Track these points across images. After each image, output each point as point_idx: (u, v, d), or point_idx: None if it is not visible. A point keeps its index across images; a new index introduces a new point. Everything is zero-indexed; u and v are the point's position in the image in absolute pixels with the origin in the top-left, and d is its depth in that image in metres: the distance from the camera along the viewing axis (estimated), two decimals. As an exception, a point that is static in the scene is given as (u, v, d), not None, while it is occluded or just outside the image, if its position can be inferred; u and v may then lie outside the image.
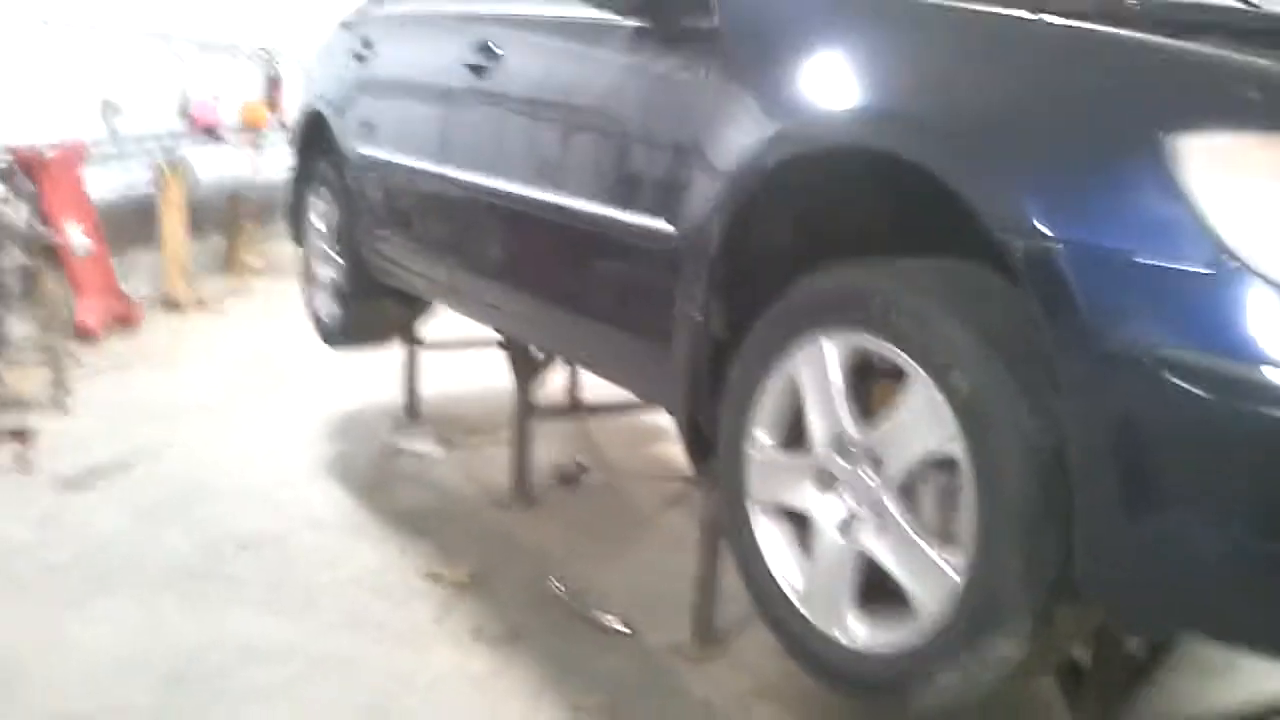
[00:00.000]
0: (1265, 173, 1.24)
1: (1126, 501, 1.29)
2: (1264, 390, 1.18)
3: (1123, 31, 1.49)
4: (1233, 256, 1.22)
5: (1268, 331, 1.19)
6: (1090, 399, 1.31)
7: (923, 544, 1.53)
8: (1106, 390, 1.29)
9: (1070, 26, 1.54)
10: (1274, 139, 1.25)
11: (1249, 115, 1.27)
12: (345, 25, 3.75)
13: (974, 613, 1.45)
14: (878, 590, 1.61)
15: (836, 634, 1.65)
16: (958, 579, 1.47)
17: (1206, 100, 1.31)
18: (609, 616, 2.76)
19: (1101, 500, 1.31)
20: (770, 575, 1.76)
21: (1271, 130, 1.26)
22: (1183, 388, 1.22)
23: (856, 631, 1.63)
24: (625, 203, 2.15)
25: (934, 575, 1.51)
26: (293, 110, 7.25)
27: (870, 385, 1.65)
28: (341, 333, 3.82)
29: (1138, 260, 1.27)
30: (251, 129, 7.38)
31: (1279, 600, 1.24)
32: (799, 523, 1.75)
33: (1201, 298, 1.23)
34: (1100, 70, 1.43)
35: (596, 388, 4.04)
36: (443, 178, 2.88)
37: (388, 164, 3.21)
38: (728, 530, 1.89)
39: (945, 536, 1.52)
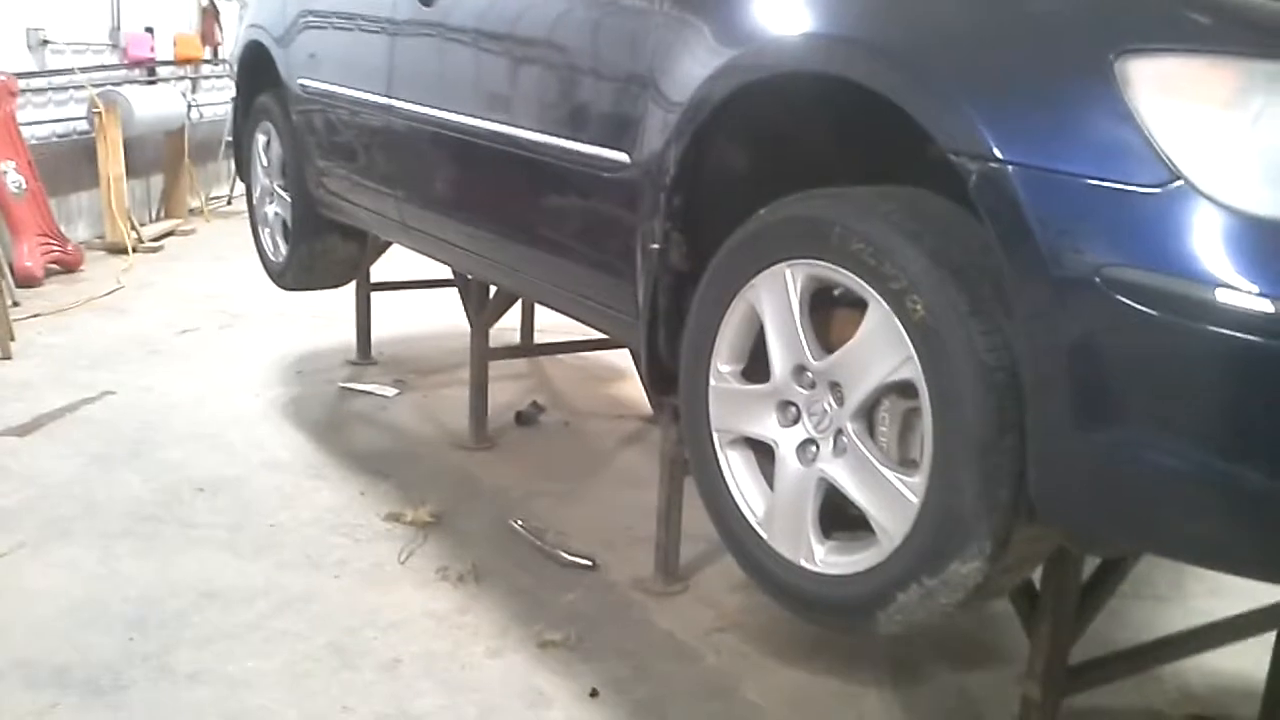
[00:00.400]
0: (1212, 95, 1.25)
1: (1079, 420, 1.32)
2: (1211, 308, 1.20)
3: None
4: (1180, 177, 1.24)
5: (1214, 250, 1.21)
6: (1043, 320, 1.33)
7: (882, 468, 1.55)
8: (1059, 311, 1.31)
9: None
10: (1221, 61, 1.26)
11: (1197, 38, 1.28)
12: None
13: (933, 534, 1.47)
14: (840, 516, 1.63)
15: (800, 560, 1.68)
16: (916, 501, 1.49)
17: (1155, 23, 1.32)
18: (572, 553, 2.77)
19: (1055, 419, 1.34)
20: (734, 503, 1.78)
21: (1218, 52, 1.27)
22: (1132, 307, 1.24)
23: (819, 556, 1.65)
24: (580, 133, 2.13)
25: (893, 499, 1.53)
26: (230, 42, 7.11)
27: (830, 314, 1.65)
28: (291, 273, 3.75)
29: (1088, 182, 1.29)
30: (187, 63, 7.18)
31: (1225, 515, 1.27)
32: (762, 452, 1.76)
33: (1150, 219, 1.25)
34: None
35: (552, 328, 4.04)
36: (391, 110, 2.83)
37: (333, 96, 3.14)
38: (691, 460, 1.89)
39: (904, 461, 1.55)
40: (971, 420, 1.40)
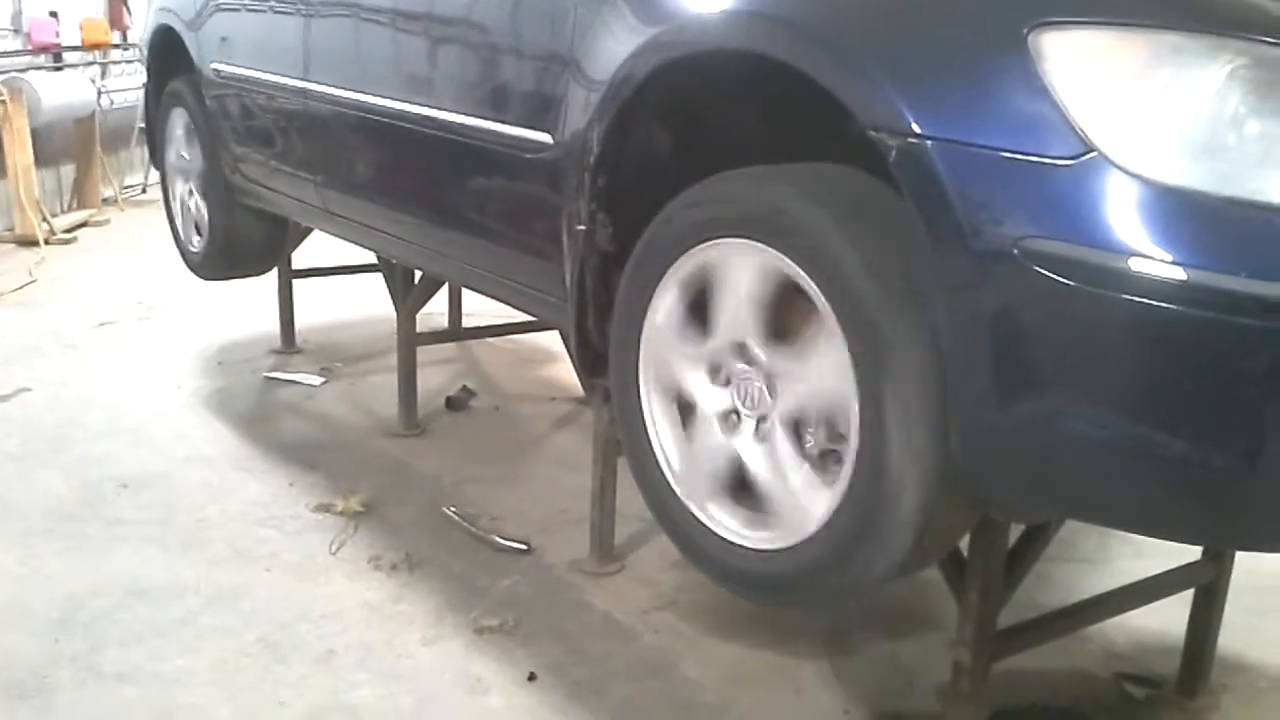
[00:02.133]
0: (1123, 67, 1.27)
1: (1001, 392, 1.34)
2: (1126, 277, 1.22)
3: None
4: (1094, 149, 1.26)
5: (1128, 220, 1.23)
6: (963, 293, 1.34)
7: (801, 470, 1.56)
8: (979, 284, 1.32)
9: None
10: (1130, 33, 1.29)
11: (1107, 11, 1.31)
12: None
13: (858, 511, 1.48)
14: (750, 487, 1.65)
15: (706, 521, 1.70)
16: (832, 504, 1.50)
17: None
18: (506, 537, 2.76)
19: (977, 392, 1.36)
20: (651, 451, 1.79)
21: (1128, 25, 1.29)
22: (1050, 278, 1.26)
23: (725, 521, 1.67)
24: (502, 114, 2.11)
25: (808, 500, 1.55)
26: (139, 26, 6.91)
27: (788, 306, 1.63)
28: (209, 262, 3.67)
29: (1005, 155, 1.30)
30: (95, 48, 6.98)
31: (1145, 480, 1.30)
32: (686, 408, 1.76)
33: (1065, 190, 1.27)
34: None
35: (481, 312, 4.01)
36: (308, 93, 2.78)
37: (248, 80, 3.07)
38: (616, 404, 1.88)
39: (824, 456, 1.55)
40: (898, 392, 1.41)
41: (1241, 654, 2.40)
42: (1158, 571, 2.17)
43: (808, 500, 1.55)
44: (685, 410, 1.76)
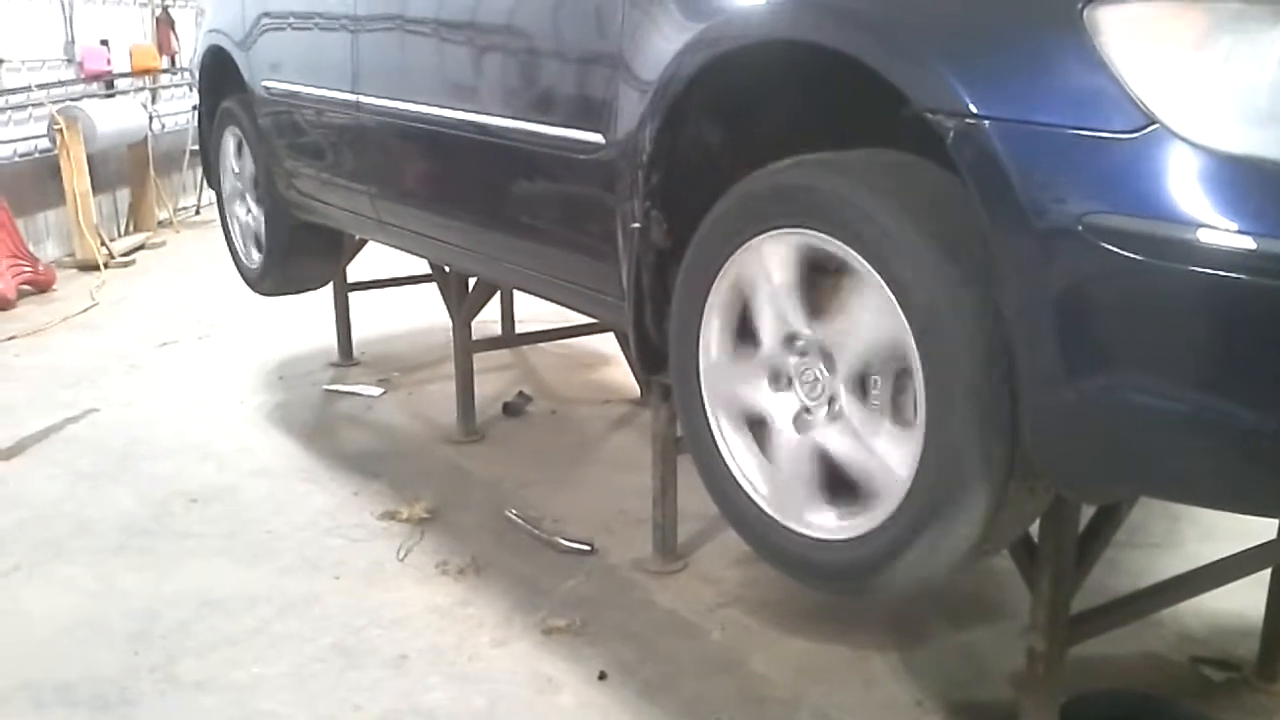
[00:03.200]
0: (1181, 37, 1.26)
1: (1070, 369, 1.33)
2: (1193, 248, 1.21)
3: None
4: (1155, 121, 1.24)
5: (1192, 191, 1.22)
6: (1028, 272, 1.33)
7: (877, 432, 1.56)
8: (1044, 262, 1.31)
9: None
10: (1187, 4, 1.27)
11: None
12: (239, -44, 3.60)
13: (930, 494, 1.48)
14: (842, 481, 1.64)
15: (802, 529, 1.68)
16: (912, 463, 1.50)
17: None
18: (569, 539, 2.78)
19: (1046, 370, 1.35)
20: (735, 481, 1.78)
21: None
22: (1116, 253, 1.25)
23: (823, 523, 1.66)
24: (554, 117, 2.12)
25: (889, 462, 1.54)
26: (186, 50, 7.04)
27: (819, 282, 1.65)
28: (267, 278, 3.73)
29: (1065, 132, 1.29)
30: (144, 73, 7.11)
31: (1218, 452, 1.29)
32: (758, 425, 1.77)
33: (1128, 164, 1.26)
34: None
35: (533, 318, 4.04)
36: (359, 106, 2.81)
37: (299, 96, 3.12)
38: (688, 441, 1.90)
39: (898, 423, 1.55)
40: (965, 378, 1.41)
41: (1322, 634, 2.35)
42: (1230, 553, 2.13)
43: (894, 454, 1.53)
44: (757, 429, 1.76)
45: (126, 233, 6.84)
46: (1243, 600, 2.26)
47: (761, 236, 1.66)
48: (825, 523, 1.66)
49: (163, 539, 2.87)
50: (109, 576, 2.68)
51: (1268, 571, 2.18)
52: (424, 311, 4.44)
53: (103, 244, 6.06)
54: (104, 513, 3.01)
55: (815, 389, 1.65)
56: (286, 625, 2.44)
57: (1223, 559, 2.12)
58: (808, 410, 1.67)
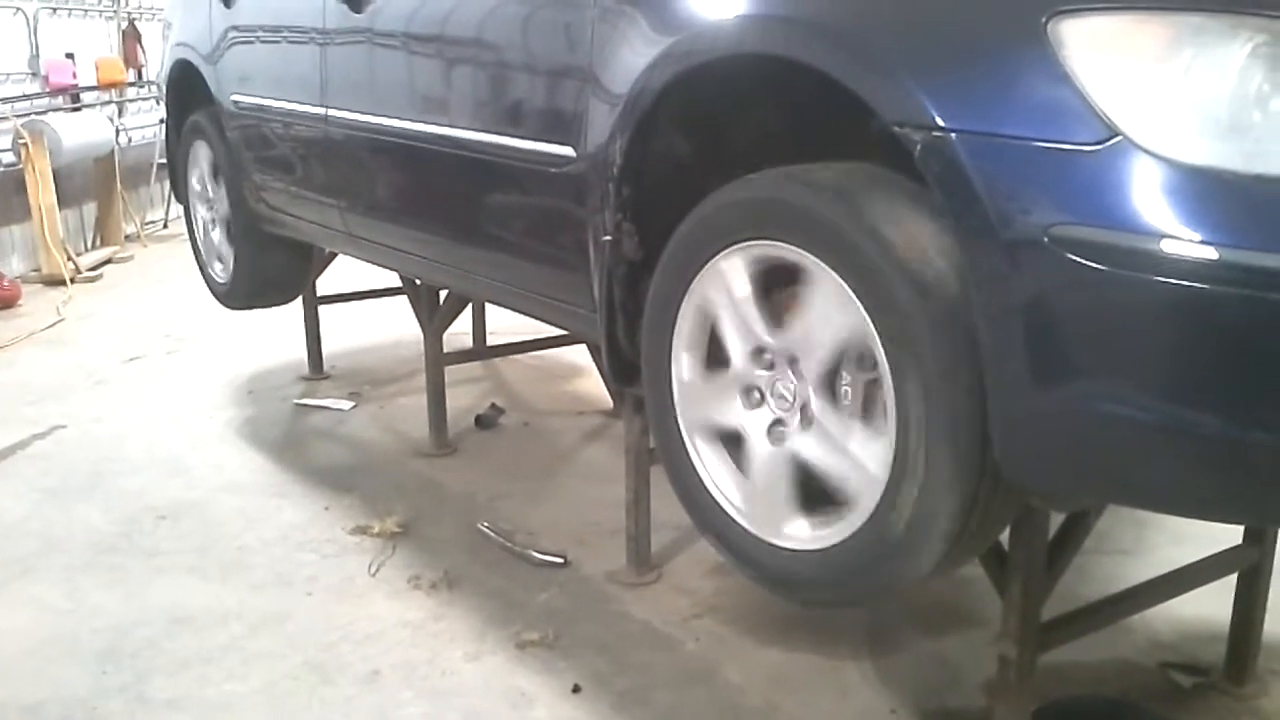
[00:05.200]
0: (1143, 50, 1.28)
1: (1038, 378, 1.34)
2: (1157, 259, 1.22)
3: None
4: (1119, 133, 1.26)
5: (1156, 202, 1.24)
6: (996, 282, 1.35)
7: (849, 437, 1.57)
8: (1011, 272, 1.33)
9: None
10: (1149, 17, 1.29)
11: None
12: (205, -31, 3.59)
13: (902, 501, 1.49)
14: (818, 493, 1.65)
15: (779, 542, 1.69)
16: (885, 468, 1.51)
17: None
18: (543, 552, 2.77)
19: (1014, 379, 1.36)
20: (709, 495, 1.79)
21: (1146, 9, 1.30)
22: (1082, 263, 1.27)
23: (799, 534, 1.67)
24: (525, 130, 2.13)
25: (862, 466, 1.55)
26: (154, 63, 6.99)
27: (780, 293, 1.66)
28: (236, 292, 3.71)
29: (1031, 144, 1.31)
30: (111, 86, 7.06)
31: (1185, 460, 1.30)
32: (732, 440, 1.77)
33: (1093, 176, 1.27)
34: None
35: (504, 329, 4.03)
36: (328, 119, 2.81)
37: (268, 110, 3.11)
38: (661, 455, 1.90)
39: (869, 429, 1.56)
40: (932, 383, 1.42)
41: (1288, 638, 2.39)
42: (1198, 558, 2.15)
43: (868, 455, 1.54)
44: (731, 445, 1.77)
45: (93, 247, 6.79)
46: (1210, 605, 2.28)
47: (732, 248, 1.67)
48: (801, 533, 1.66)
49: (132, 556, 2.84)
50: (77, 594, 2.65)
51: (1234, 576, 2.21)
52: (395, 324, 4.43)
53: (69, 259, 6.01)
54: (72, 530, 2.98)
55: (786, 400, 1.65)
56: (258, 642, 2.42)
57: (1190, 564, 2.15)
58: (780, 422, 1.68)
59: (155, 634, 2.46)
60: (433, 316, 3.39)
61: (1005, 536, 1.78)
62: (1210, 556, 2.16)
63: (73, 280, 5.89)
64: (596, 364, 3.44)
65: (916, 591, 2.24)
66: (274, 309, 3.92)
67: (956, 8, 1.44)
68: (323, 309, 4.20)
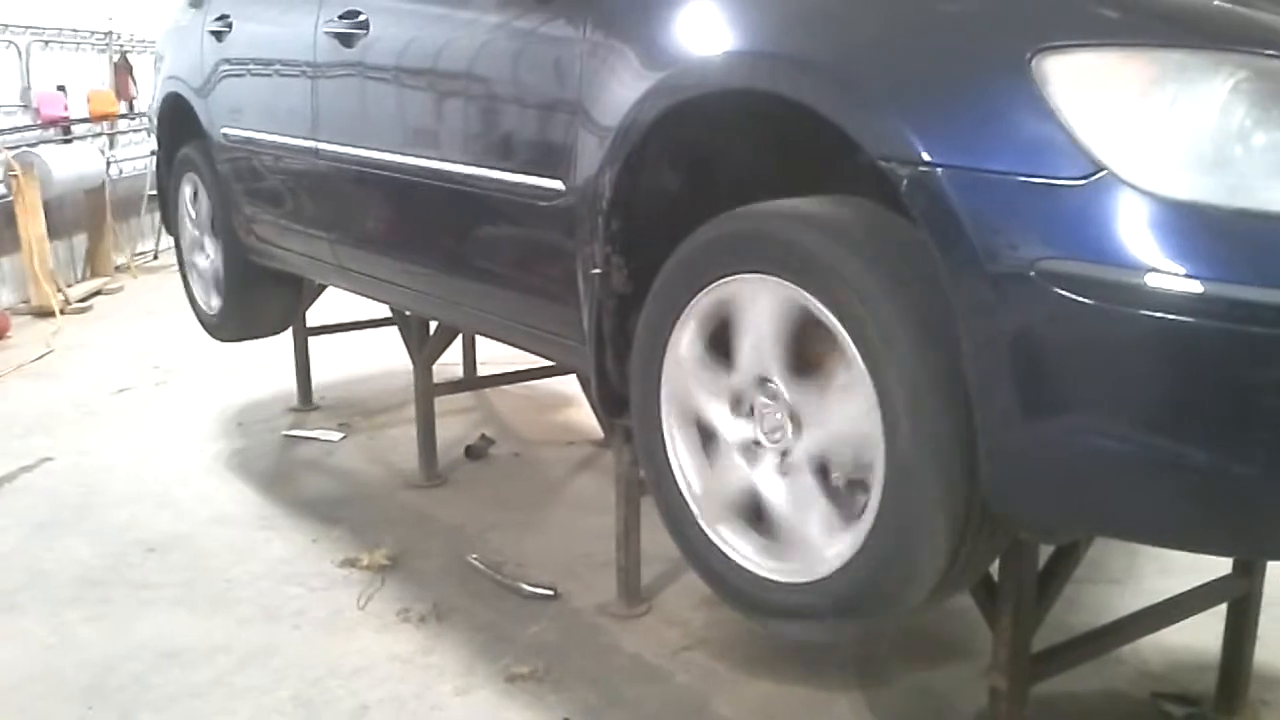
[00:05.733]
0: (1127, 86, 1.30)
1: (1026, 412, 1.35)
2: (1142, 293, 1.24)
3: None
4: (1104, 168, 1.27)
5: (1141, 237, 1.25)
6: (983, 317, 1.36)
7: (825, 510, 1.57)
8: (997, 307, 1.34)
9: None
10: (1133, 53, 1.31)
11: (1108, 32, 1.33)
12: (194, 3, 3.61)
13: (881, 558, 1.49)
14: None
15: (725, 549, 1.71)
16: (857, 544, 1.51)
17: (1068, 20, 1.36)
18: (532, 584, 2.76)
19: (1002, 414, 1.36)
20: (671, 473, 1.80)
21: (1130, 45, 1.32)
22: (1068, 298, 1.28)
23: (740, 548, 1.69)
24: (514, 164, 2.14)
25: (831, 537, 1.56)
26: (145, 95, 7.01)
27: (811, 340, 1.62)
28: (226, 323, 3.71)
29: (1016, 179, 1.32)
30: (102, 119, 7.08)
31: (1173, 493, 1.31)
32: (706, 434, 1.77)
33: (1078, 211, 1.28)
34: None
35: (494, 360, 4.03)
36: (319, 153, 2.82)
37: (259, 143, 3.12)
38: (650, 485, 1.90)
39: (849, 492, 1.56)
40: (931, 453, 1.42)
41: (1279, 667, 2.38)
42: (1188, 588, 2.16)
43: (827, 541, 1.56)
44: (706, 436, 1.77)
45: (83, 278, 6.78)
46: (1200, 634, 2.28)
47: (719, 282, 1.68)
48: (746, 549, 1.69)
49: (119, 589, 2.82)
50: (64, 629, 2.62)
51: (1224, 606, 2.21)
52: (384, 355, 4.42)
53: (59, 290, 6.00)
54: (59, 563, 2.96)
55: (775, 434, 1.65)
56: (246, 677, 2.41)
57: (1180, 594, 2.15)
58: (759, 444, 1.67)
59: (142, 669, 2.44)
60: (422, 347, 3.39)
61: (995, 567, 1.78)
62: (1200, 586, 2.16)
63: (62, 312, 5.87)
64: (586, 395, 3.44)
65: (907, 623, 2.23)
66: (263, 340, 3.92)
67: (942, 44, 1.45)
68: (312, 340, 4.20)
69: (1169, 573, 2.65)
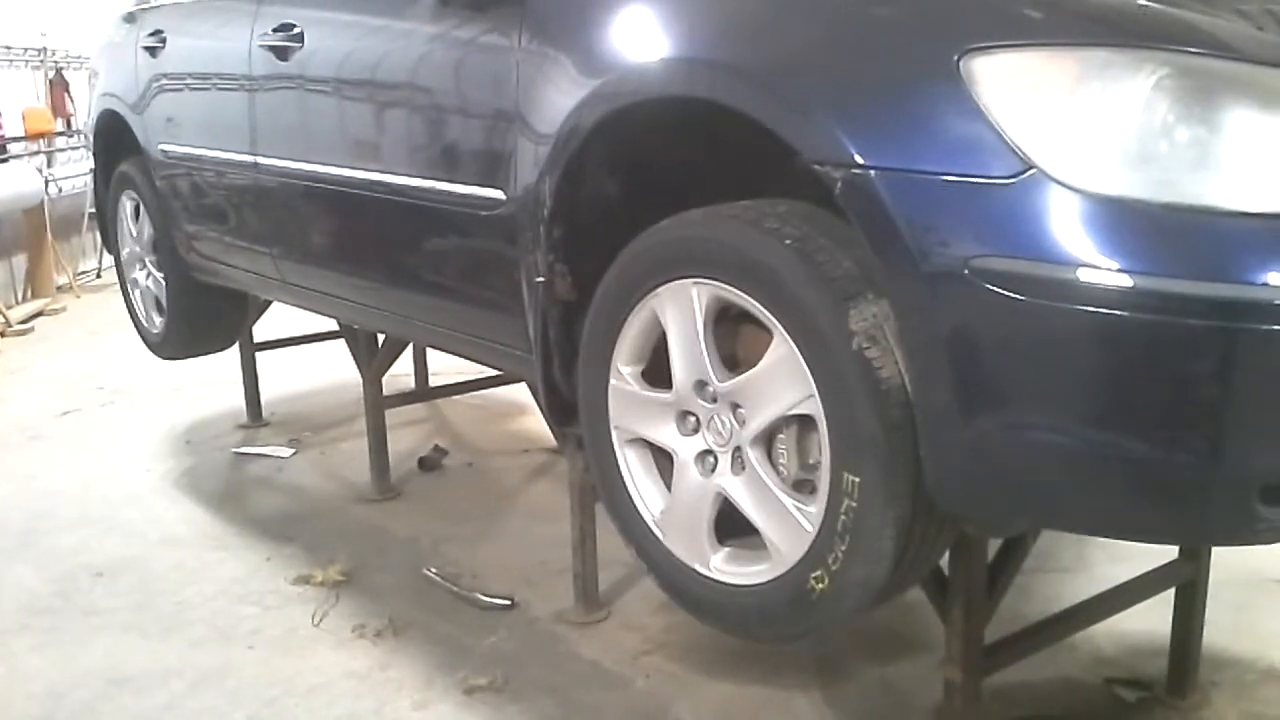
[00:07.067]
0: (1053, 85, 1.31)
1: (965, 408, 1.36)
2: (1075, 288, 1.25)
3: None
4: (1033, 166, 1.29)
5: (1072, 233, 1.27)
6: (918, 315, 1.37)
7: (780, 494, 1.58)
8: (933, 305, 1.35)
9: None
10: (1057, 52, 1.33)
11: (1034, 32, 1.35)
12: (128, 18, 3.56)
13: (835, 543, 1.50)
14: (738, 523, 1.66)
15: (694, 564, 1.71)
16: (814, 526, 1.52)
17: (994, 21, 1.38)
18: (490, 594, 2.75)
19: (942, 411, 1.38)
20: (631, 503, 1.80)
21: (1055, 45, 1.33)
22: (1002, 294, 1.29)
23: (714, 563, 1.69)
24: (454, 174, 2.13)
25: (791, 523, 1.56)
26: (82, 112, 6.91)
27: (736, 329, 1.67)
28: (170, 342, 3.66)
29: (948, 179, 1.33)
30: (39, 137, 6.96)
31: (1113, 484, 1.32)
32: (661, 455, 1.78)
33: (1009, 208, 1.30)
34: (892, 1, 1.49)
35: (446, 370, 4.01)
36: (258, 167, 2.79)
37: (197, 159, 3.08)
38: (601, 493, 1.90)
39: (802, 483, 1.57)
40: (872, 444, 1.43)
41: (1228, 649, 2.42)
42: (1136, 575, 2.19)
43: (790, 527, 1.56)
44: (661, 461, 1.78)
45: (24, 300, 6.67)
46: (1151, 619, 2.31)
47: (662, 288, 1.68)
48: (717, 563, 1.69)
49: (68, 616, 2.77)
50: (10, 659, 2.57)
51: (1172, 590, 2.24)
52: (334, 368, 4.38)
53: (-1, 312, 5.90)
54: (4, 592, 2.90)
55: (722, 437, 1.66)
56: (199, 700, 2.37)
57: (1130, 580, 2.19)
58: (712, 454, 1.68)
59: (92, 696, 2.40)
60: (371, 360, 3.36)
61: (945, 560, 1.80)
62: (1148, 572, 2.20)
63: (3, 334, 5.78)
64: (537, 403, 3.43)
65: (863, 619, 2.25)
66: (210, 357, 3.87)
67: (871, 48, 1.46)
68: (260, 355, 4.15)
69: (1118, 560, 2.69)
